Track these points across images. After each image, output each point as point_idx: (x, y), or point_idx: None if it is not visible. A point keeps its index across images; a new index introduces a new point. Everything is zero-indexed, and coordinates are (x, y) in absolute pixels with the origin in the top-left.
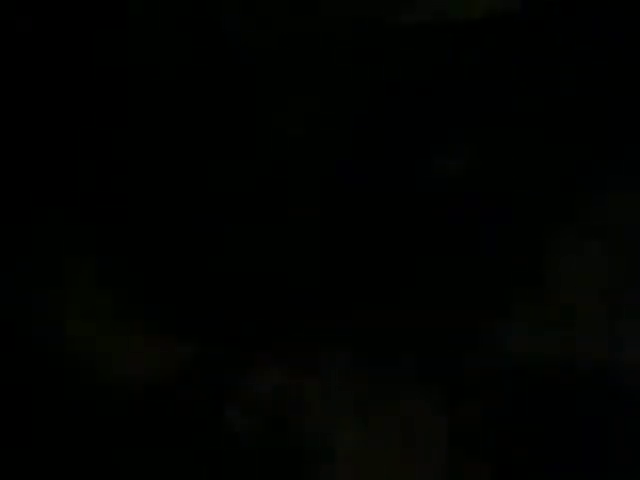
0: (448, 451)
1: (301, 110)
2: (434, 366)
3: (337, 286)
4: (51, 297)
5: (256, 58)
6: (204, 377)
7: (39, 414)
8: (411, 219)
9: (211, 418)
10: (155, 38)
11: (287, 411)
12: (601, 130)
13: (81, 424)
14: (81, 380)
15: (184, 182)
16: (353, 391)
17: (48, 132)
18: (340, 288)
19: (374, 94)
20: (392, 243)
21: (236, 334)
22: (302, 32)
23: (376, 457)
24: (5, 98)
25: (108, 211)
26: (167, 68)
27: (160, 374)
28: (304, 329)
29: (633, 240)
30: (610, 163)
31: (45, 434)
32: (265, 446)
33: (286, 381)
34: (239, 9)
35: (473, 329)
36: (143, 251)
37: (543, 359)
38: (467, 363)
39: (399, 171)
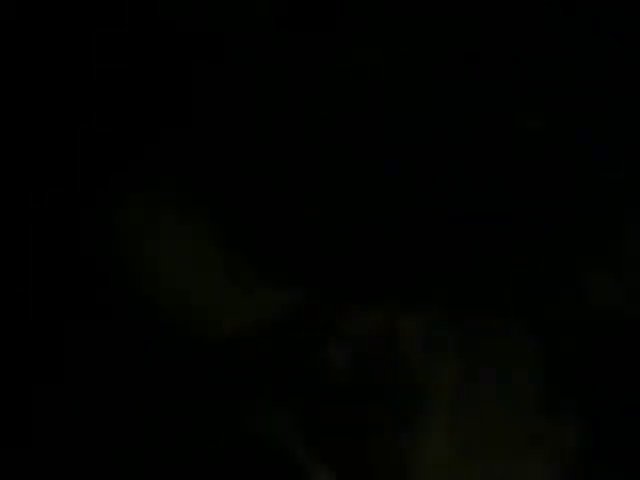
0: (544, 388)
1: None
2: (530, 307)
3: (434, 232)
4: (147, 248)
5: None
6: (303, 322)
7: (133, 365)
8: (495, 168)
9: (312, 361)
10: None
11: (386, 350)
12: None
13: (175, 375)
14: (177, 331)
15: (279, 127)
16: (451, 329)
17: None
18: (437, 234)
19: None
20: (478, 193)
21: (335, 280)
22: None
23: (473, 394)
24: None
25: (212, 164)
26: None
27: (259, 323)
28: (402, 271)
29: None
30: None
31: (138, 384)
32: (365, 385)
33: (385, 320)
34: None
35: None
36: (242, 201)
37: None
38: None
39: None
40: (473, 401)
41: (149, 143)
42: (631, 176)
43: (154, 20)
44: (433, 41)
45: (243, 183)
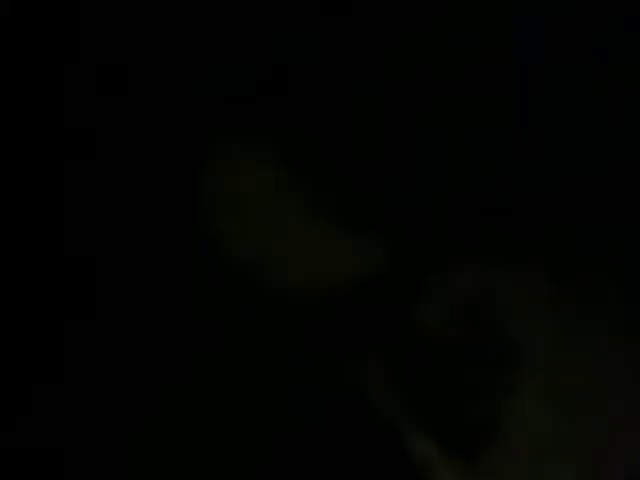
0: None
1: None
2: (630, 273)
3: (532, 188)
4: (243, 202)
5: None
6: (397, 278)
7: (214, 324)
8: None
9: (406, 316)
10: None
11: (480, 312)
12: None
13: (262, 331)
14: (261, 289)
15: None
16: (549, 285)
17: None
18: (534, 190)
19: None
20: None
21: (429, 233)
22: None
23: (570, 354)
24: None
25: (298, 116)
26: None
27: (351, 278)
28: (497, 236)
29: None
30: None
31: (221, 343)
32: (460, 341)
33: (479, 282)
34: None
35: None
36: (329, 157)
37: None
38: None
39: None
40: (570, 362)
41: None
42: None
43: None
44: None
45: (330, 138)
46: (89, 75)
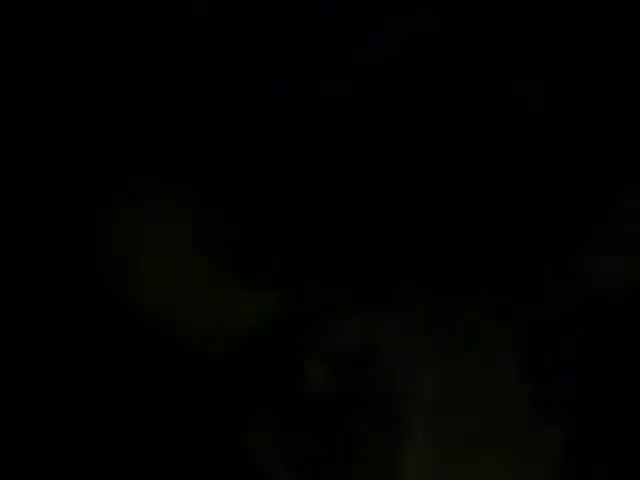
0: (527, 387)
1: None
2: (514, 304)
3: (416, 232)
4: (132, 249)
5: None
6: (285, 326)
7: (118, 363)
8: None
9: (292, 367)
10: None
11: (367, 355)
12: None
13: (161, 375)
14: (161, 333)
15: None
16: (431, 332)
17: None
18: (419, 234)
19: None
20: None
21: (316, 283)
22: None
23: (456, 397)
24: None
25: (197, 164)
26: None
27: (241, 324)
28: (384, 274)
29: None
30: None
31: (123, 385)
32: (346, 390)
33: (366, 326)
34: None
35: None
36: (225, 201)
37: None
38: (547, 298)
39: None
40: (456, 404)
41: (134, 143)
42: (629, 156)
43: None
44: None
45: (228, 183)
46: None
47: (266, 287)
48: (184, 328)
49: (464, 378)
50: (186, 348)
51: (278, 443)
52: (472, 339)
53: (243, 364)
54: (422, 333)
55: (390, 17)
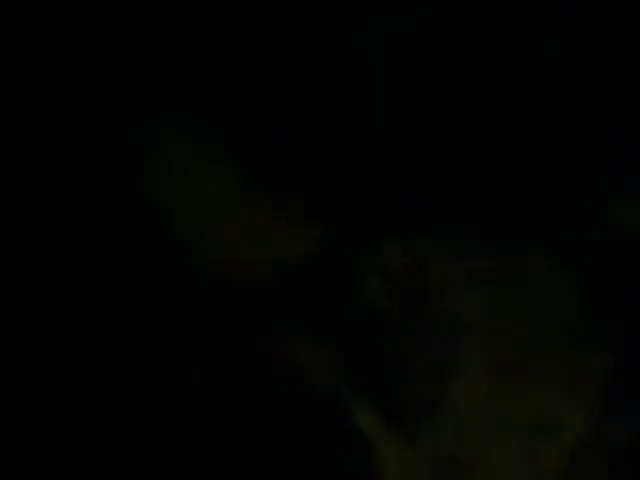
0: (576, 320)
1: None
2: (561, 239)
3: (463, 168)
4: (178, 182)
5: None
6: (334, 256)
7: (156, 295)
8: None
9: (344, 297)
10: None
11: (419, 284)
12: None
13: (205, 306)
14: (206, 268)
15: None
16: (483, 260)
17: None
18: (465, 170)
19: None
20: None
21: (363, 214)
22: None
23: (506, 326)
24: None
25: (229, 97)
26: None
27: (289, 258)
28: (430, 203)
29: None
30: None
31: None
32: (399, 319)
33: (416, 254)
34: None
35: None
36: (262, 136)
37: None
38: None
39: None
40: (506, 334)
41: (166, 77)
42: None
43: None
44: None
45: (263, 119)
46: None
47: (311, 218)
48: (233, 261)
49: (515, 308)
50: (235, 272)
51: (333, 356)
52: (524, 271)
53: (293, 286)
54: (474, 260)
55: None
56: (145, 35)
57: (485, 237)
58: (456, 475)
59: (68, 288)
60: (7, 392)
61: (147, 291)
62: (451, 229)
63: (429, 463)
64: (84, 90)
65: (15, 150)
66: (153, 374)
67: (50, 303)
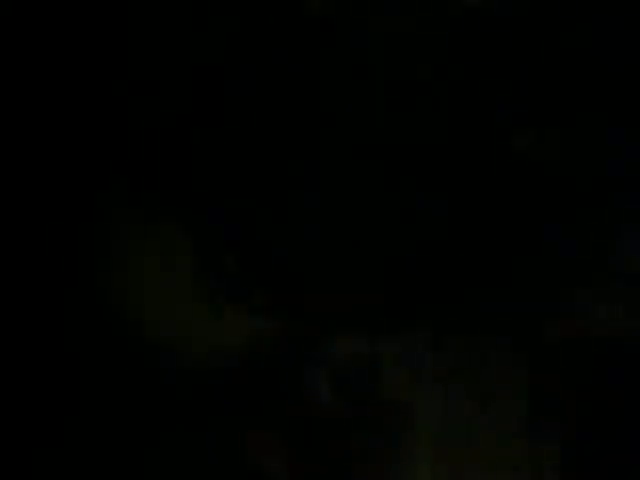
0: (528, 413)
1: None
2: (515, 334)
3: (416, 266)
4: (131, 278)
5: None
6: (285, 350)
7: (118, 394)
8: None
9: (292, 390)
10: None
11: (367, 380)
12: None
13: (161, 404)
14: (161, 362)
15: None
16: (434, 356)
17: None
18: (418, 269)
19: None
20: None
21: (317, 310)
22: None
23: (457, 421)
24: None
25: (192, 180)
26: None
27: (241, 350)
28: (384, 303)
29: None
30: None
31: (124, 414)
32: (348, 414)
33: (368, 348)
34: None
35: (554, 298)
36: (222, 222)
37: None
38: (548, 332)
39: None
40: (457, 428)
41: (132, 159)
42: (628, 190)
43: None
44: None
45: (224, 202)
46: None
47: (263, 312)
48: (184, 345)
49: (466, 403)
50: (186, 364)
51: (281, 455)
52: (475, 364)
53: (244, 379)
54: (425, 355)
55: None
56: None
57: (438, 332)
58: None
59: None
60: None
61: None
62: (404, 324)
63: None
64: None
65: None
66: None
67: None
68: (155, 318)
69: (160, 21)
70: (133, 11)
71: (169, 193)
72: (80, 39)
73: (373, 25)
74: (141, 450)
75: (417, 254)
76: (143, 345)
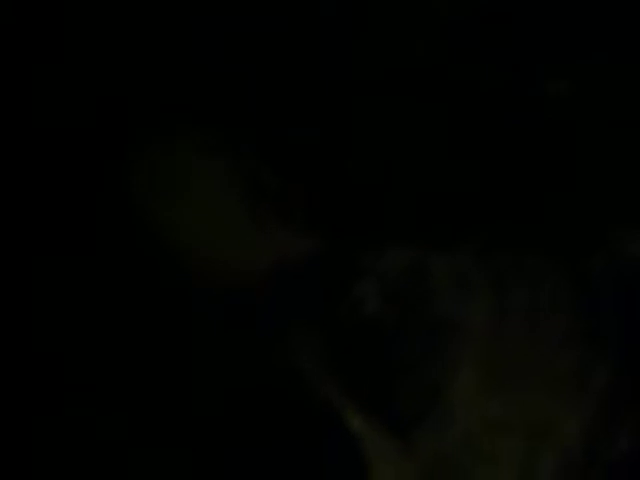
0: (575, 325)
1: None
2: (564, 257)
3: (474, 187)
4: (178, 194)
5: None
6: (333, 262)
7: (155, 305)
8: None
9: (341, 300)
10: None
11: (416, 288)
12: None
13: (201, 314)
14: (202, 275)
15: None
16: (481, 267)
17: None
18: (476, 189)
19: None
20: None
21: (364, 220)
22: None
23: (503, 331)
24: None
25: (237, 106)
26: None
27: (288, 262)
28: (432, 211)
29: None
30: None
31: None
32: (395, 323)
33: (415, 259)
34: None
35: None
36: (272, 147)
37: None
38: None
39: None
40: (502, 338)
41: (173, 83)
42: None
43: None
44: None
45: (269, 127)
46: None
47: (309, 226)
48: (220, 266)
49: (512, 313)
50: (222, 285)
51: (328, 359)
52: (522, 276)
53: (290, 296)
54: (473, 266)
55: None
56: (146, 43)
57: (485, 247)
58: (451, 479)
59: (64, 303)
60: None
61: (146, 302)
62: (455, 239)
63: (423, 467)
64: (84, 102)
65: (13, 159)
66: (155, 381)
67: (48, 316)
68: (205, 239)
69: None
70: None
71: (215, 114)
72: None
73: None
74: (183, 365)
75: (469, 170)
76: (179, 255)
